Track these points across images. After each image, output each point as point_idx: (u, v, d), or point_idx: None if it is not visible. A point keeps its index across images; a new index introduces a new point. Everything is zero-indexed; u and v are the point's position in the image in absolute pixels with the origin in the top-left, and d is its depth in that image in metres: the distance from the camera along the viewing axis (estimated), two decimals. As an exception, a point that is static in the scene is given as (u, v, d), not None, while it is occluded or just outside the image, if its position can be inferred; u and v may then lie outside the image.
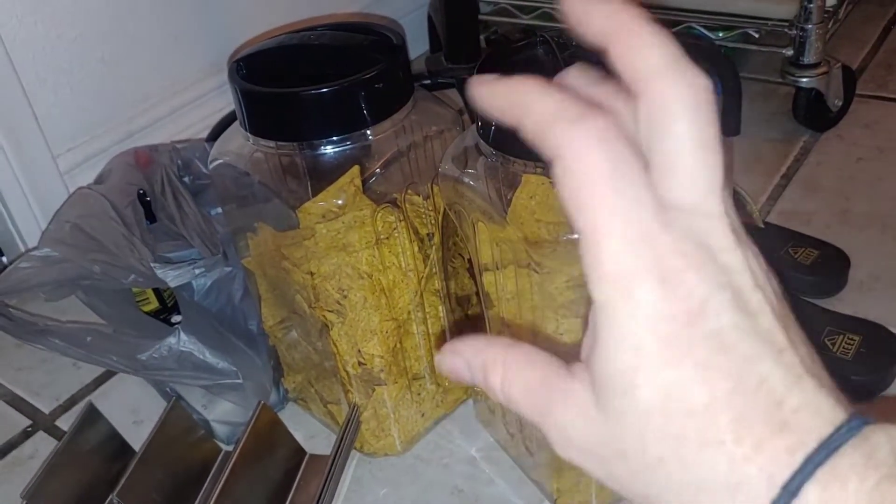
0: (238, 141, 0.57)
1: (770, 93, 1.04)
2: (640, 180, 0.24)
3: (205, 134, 0.94)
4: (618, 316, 0.24)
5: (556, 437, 0.27)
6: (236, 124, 0.58)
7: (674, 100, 0.24)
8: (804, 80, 0.92)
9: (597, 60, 0.49)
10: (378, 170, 0.55)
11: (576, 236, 0.45)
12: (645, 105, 0.24)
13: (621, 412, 0.25)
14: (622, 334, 0.24)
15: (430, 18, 1.14)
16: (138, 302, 0.75)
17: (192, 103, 0.97)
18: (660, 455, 0.24)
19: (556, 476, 0.56)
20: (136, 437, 0.63)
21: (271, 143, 0.55)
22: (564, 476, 0.56)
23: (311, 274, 0.56)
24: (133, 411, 0.73)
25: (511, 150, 0.48)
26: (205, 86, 0.97)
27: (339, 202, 0.54)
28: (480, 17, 1.09)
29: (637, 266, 0.23)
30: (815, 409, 0.24)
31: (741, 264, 0.25)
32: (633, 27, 0.24)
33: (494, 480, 0.62)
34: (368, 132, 0.55)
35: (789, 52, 0.92)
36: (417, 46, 1.19)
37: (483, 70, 0.50)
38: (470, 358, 0.29)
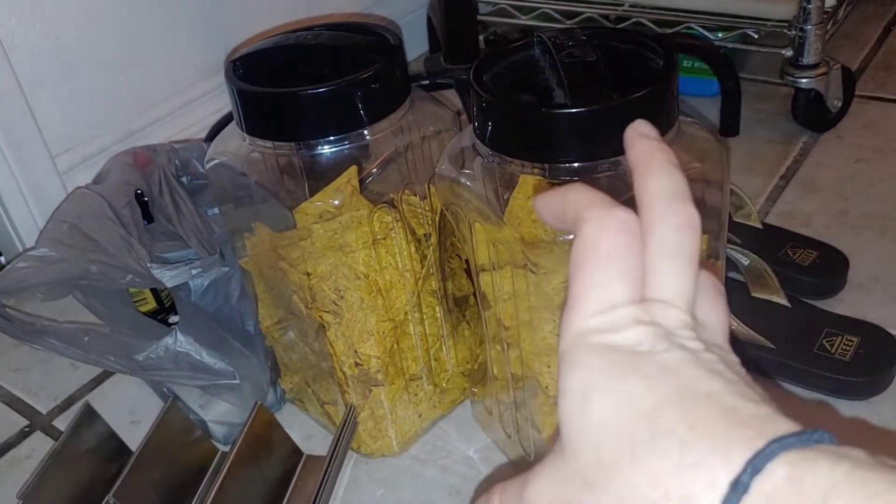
0: (235, 141, 0.57)
1: (769, 93, 1.04)
2: (627, 267, 0.28)
3: (203, 134, 0.94)
4: (574, 358, 0.27)
5: None
6: (233, 124, 0.58)
7: (661, 220, 0.28)
8: (803, 80, 0.92)
9: (592, 62, 0.49)
10: (375, 170, 0.55)
11: (572, 237, 0.45)
12: (641, 218, 0.29)
13: (578, 436, 0.26)
14: (577, 364, 0.27)
15: (429, 19, 1.14)
16: (136, 302, 0.75)
17: (191, 104, 0.97)
18: (614, 461, 0.25)
19: (553, 477, 0.56)
20: (134, 438, 0.63)
21: (268, 144, 0.55)
22: (561, 477, 0.56)
23: (308, 274, 0.56)
24: (130, 411, 0.73)
25: (508, 150, 0.48)
26: (204, 86, 0.97)
27: (336, 202, 0.54)
28: (479, 17, 1.10)
29: (599, 324, 0.27)
30: (773, 419, 0.24)
31: (694, 343, 0.27)
32: (651, 160, 0.30)
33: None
34: (365, 132, 0.55)
35: (788, 52, 0.92)
36: (417, 47, 1.19)
37: (479, 70, 0.50)
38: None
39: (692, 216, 0.28)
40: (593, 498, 0.26)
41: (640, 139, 0.31)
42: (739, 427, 0.24)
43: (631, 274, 0.28)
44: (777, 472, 0.23)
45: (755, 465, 0.23)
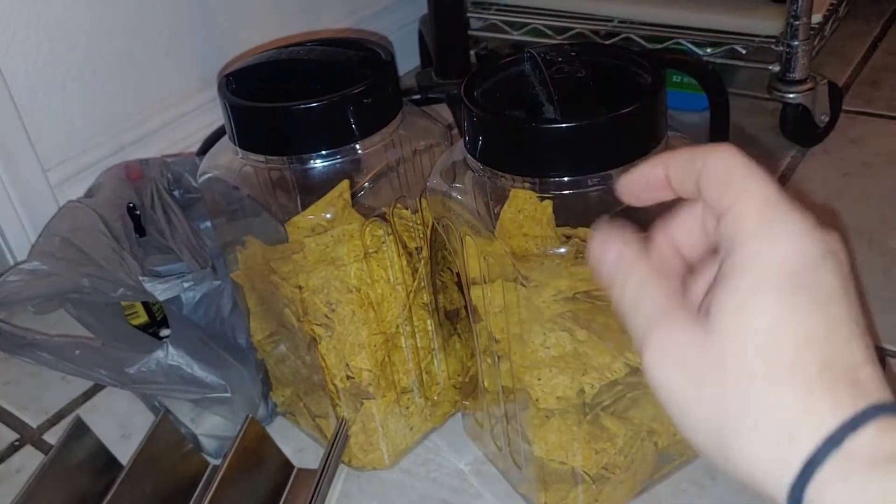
0: (227, 155, 0.58)
1: (757, 108, 1.05)
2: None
3: (196, 148, 0.94)
4: (754, 252, 0.29)
5: (655, 351, 0.30)
6: (226, 138, 0.58)
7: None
8: (791, 95, 0.93)
9: (582, 78, 0.49)
10: (367, 184, 0.56)
11: (562, 250, 0.46)
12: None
13: (728, 331, 0.29)
14: (752, 264, 0.29)
15: (420, 34, 1.14)
16: (127, 315, 0.75)
17: (184, 117, 0.97)
18: (754, 370, 0.28)
19: (544, 490, 0.56)
20: (125, 452, 0.63)
21: (261, 158, 0.55)
22: (551, 490, 0.56)
23: (300, 288, 0.56)
24: (121, 425, 0.72)
25: (498, 165, 0.48)
26: (196, 100, 0.98)
27: (328, 216, 0.54)
28: (471, 32, 1.10)
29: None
30: (880, 385, 0.28)
31: (843, 253, 0.30)
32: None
33: (482, 494, 0.62)
34: (357, 146, 0.55)
35: (776, 68, 0.93)
36: (410, 62, 1.20)
37: (470, 85, 0.50)
38: (620, 250, 0.34)
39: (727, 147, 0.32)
40: (721, 385, 0.28)
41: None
42: (853, 387, 0.27)
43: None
44: (867, 434, 0.26)
45: (853, 423, 0.27)
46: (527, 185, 0.48)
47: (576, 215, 0.49)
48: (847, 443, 0.26)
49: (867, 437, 0.26)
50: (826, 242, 0.29)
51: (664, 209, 0.51)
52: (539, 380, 0.51)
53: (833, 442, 0.26)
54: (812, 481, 0.26)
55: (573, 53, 0.50)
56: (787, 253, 0.29)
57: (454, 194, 0.52)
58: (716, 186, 0.31)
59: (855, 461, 0.26)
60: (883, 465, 0.26)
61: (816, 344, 0.28)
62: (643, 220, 0.50)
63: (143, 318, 0.76)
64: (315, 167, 0.55)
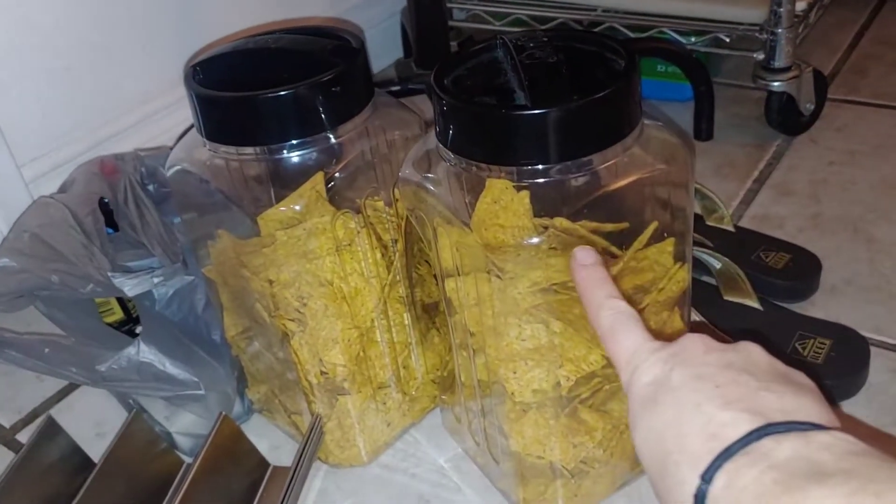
0: (196, 147, 0.56)
1: (743, 98, 1.04)
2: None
3: (173, 143, 0.92)
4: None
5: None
6: (195, 130, 0.57)
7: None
8: (775, 83, 0.92)
9: (554, 63, 0.48)
10: (338, 174, 0.55)
11: (536, 240, 0.47)
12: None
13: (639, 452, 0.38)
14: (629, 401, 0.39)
15: (402, 26, 1.13)
16: (102, 313, 0.73)
17: (161, 112, 0.96)
18: (651, 474, 0.36)
19: (522, 485, 0.55)
20: (100, 451, 0.61)
21: (230, 149, 0.54)
22: (530, 485, 0.55)
23: (270, 282, 0.55)
24: (97, 424, 0.71)
25: (469, 153, 0.47)
26: (174, 94, 0.96)
27: (297, 207, 0.53)
28: (453, 23, 1.09)
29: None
30: (734, 423, 0.33)
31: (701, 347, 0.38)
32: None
33: (461, 490, 0.61)
34: (330, 136, 0.54)
35: (760, 55, 0.92)
36: (393, 54, 1.19)
37: (440, 73, 0.49)
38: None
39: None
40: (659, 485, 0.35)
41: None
42: (707, 440, 0.33)
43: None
44: (719, 481, 0.31)
45: (707, 476, 0.32)
46: (503, 174, 0.47)
47: (551, 205, 0.47)
48: (710, 494, 0.32)
49: (719, 488, 0.31)
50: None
51: (639, 199, 0.51)
52: (515, 373, 0.50)
53: (699, 499, 0.32)
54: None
55: (545, 39, 0.49)
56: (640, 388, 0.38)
57: (427, 185, 0.51)
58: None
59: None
60: None
61: (671, 432, 0.35)
62: (618, 209, 0.49)
63: (118, 315, 0.75)
64: (286, 158, 0.54)
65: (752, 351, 0.38)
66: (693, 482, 0.32)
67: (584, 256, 0.44)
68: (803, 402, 0.34)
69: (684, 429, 0.34)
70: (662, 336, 0.41)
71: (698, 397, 0.34)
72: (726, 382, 0.35)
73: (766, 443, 0.31)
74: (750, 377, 0.35)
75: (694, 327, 0.56)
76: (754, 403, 0.33)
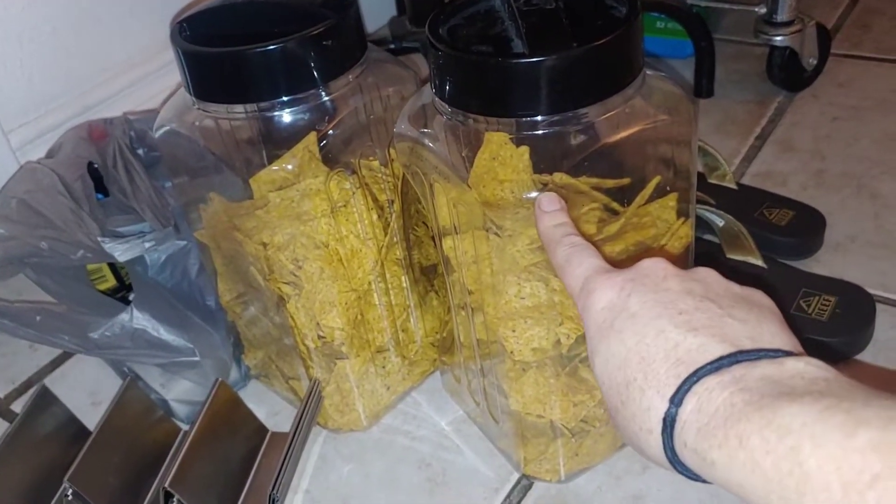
0: (185, 107, 0.55)
1: (744, 54, 1.02)
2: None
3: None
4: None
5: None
6: (183, 90, 0.55)
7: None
8: (778, 38, 0.90)
9: (552, 10, 0.46)
10: (331, 132, 0.53)
11: (536, 195, 0.46)
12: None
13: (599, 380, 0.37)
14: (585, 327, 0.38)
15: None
16: (94, 280, 0.72)
17: (151, 75, 0.94)
18: (611, 404, 0.35)
19: (523, 445, 0.54)
20: (95, 420, 0.61)
21: (220, 108, 0.53)
22: (530, 445, 0.54)
23: (264, 245, 0.54)
24: (91, 393, 0.70)
25: (466, 105, 0.46)
26: (164, 58, 0.94)
27: (289, 167, 0.51)
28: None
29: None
30: (703, 349, 0.32)
31: (662, 270, 0.38)
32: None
33: (462, 451, 0.60)
34: (322, 92, 0.52)
35: (762, 9, 0.90)
36: (387, 13, 1.16)
37: (435, 23, 0.47)
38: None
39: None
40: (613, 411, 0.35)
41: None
42: (674, 365, 0.32)
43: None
44: (689, 403, 0.31)
45: (676, 399, 0.31)
46: (501, 127, 0.45)
47: (550, 160, 0.46)
48: (679, 417, 0.31)
49: (690, 410, 0.31)
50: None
51: (641, 154, 0.49)
52: (514, 331, 0.49)
53: (668, 422, 0.32)
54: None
55: (544, -14, 0.47)
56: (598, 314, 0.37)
57: (424, 140, 0.49)
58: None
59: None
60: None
61: (634, 358, 0.34)
62: (620, 164, 0.48)
63: (110, 281, 0.73)
64: (277, 116, 0.52)
65: (708, 276, 0.37)
66: (661, 407, 0.32)
67: (548, 203, 0.43)
68: (768, 328, 0.34)
69: (648, 354, 0.33)
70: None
71: (661, 323, 0.34)
72: (689, 309, 0.34)
73: (737, 369, 0.31)
74: (711, 303, 0.35)
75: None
76: (720, 330, 0.33)
